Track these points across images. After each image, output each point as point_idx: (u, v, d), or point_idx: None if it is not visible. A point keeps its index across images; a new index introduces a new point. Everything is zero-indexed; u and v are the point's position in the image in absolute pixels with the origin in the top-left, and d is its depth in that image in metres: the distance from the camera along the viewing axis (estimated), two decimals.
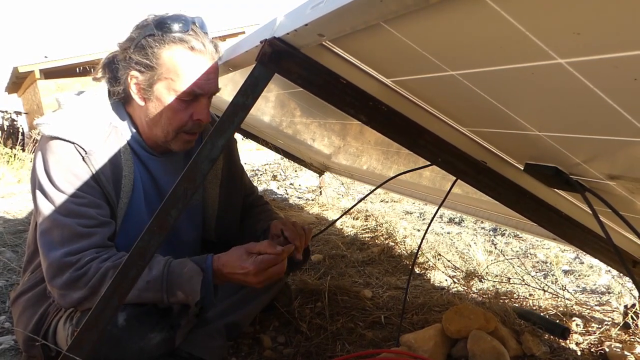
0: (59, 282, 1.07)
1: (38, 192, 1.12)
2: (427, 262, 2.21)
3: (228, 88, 1.94)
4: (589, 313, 1.62)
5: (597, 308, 1.69)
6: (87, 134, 1.14)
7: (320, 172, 3.60)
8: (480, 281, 1.98)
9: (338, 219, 1.80)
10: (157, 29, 1.12)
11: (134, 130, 1.23)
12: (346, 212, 1.87)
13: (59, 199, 1.10)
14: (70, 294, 1.07)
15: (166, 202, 0.84)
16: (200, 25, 1.17)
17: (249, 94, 0.82)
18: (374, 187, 1.64)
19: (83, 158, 1.12)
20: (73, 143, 1.12)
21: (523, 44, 0.51)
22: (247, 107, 0.82)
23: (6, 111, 12.53)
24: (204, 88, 1.16)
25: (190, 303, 1.10)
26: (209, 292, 1.11)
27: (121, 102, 1.24)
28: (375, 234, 2.75)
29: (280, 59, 0.79)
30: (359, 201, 1.76)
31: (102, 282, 1.05)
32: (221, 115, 0.83)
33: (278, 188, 4.71)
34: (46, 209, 1.10)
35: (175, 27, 1.12)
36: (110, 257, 1.09)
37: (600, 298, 1.85)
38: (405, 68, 0.78)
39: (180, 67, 1.12)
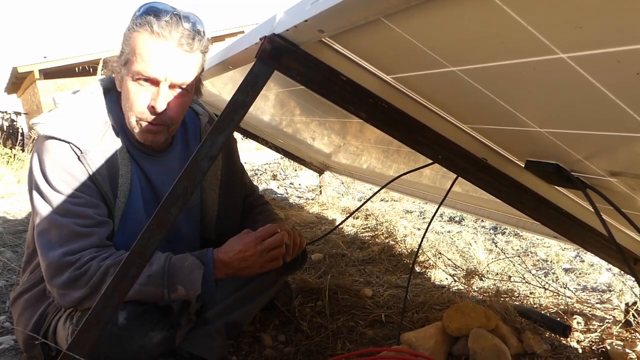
0: (59, 282, 1.07)
1: (35, 193, 1.12)
2: (428, 260, 2.21)
3: (228, 87, 1.94)
4: (590, 311, 1.62)
5: (598, 306, 1.68)
6: (82, 133, 1.13)
7: (320, 171, 3.60)
8: (481, 279, 1.97)
9: (343, 222, 1.79)
10: (138, 15, 1.12)
11: (127, 129, 1.22)
12: (352, 214, 1.86)
13: (56, 199, 1.09)
14: (70, 293, 1.07)
15: (166, 200, 0.83)
16: (192, 22, 1.14)
17: (248, 91, 0.81)
18: (375, 187, 1.63)
19: (78, 157, 1.11)
20: (68, 142, 1.11)
21: (524, 39, 0.51)
22: (246, 105, 0.82)
23: (6, 112, 12.52)
24: (155, 71, 1.10)
25: (191, 298, 1.10)
26: (210, 286, 1.11)
27: (115, 96, 1.23)
28: (376, 232, 2.75)
29: (280, 55, 0.79)
30: (364, 202, 1.74)
31: (103, 280, 1.05)
32: (220, 113, 0.83)
33: (278, 187, 4.71)
34: (43, 209, 1.10)
35: (151, 13, 1.11)
36: (110, 255, 1.09)
37: (601, 296, 1.85)
38: (405, 64, 0.77)
39: (137, 47, 1.10)
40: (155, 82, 1.12)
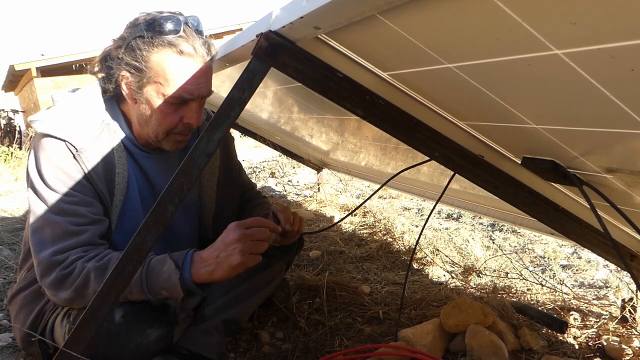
0: (48, 281, 1.07)
1: (30, 190, 1.12)
2: (425, 257, 2.21)
3: (225, 85, 1.94)
4: (586, 307, 1.63)
5: (595, 302, 1.69)
6: (79, 132, 1.13)
7: (319, 169, 3.60)
8: (478, 276, 1.98)
9: (343, 218, 1.79)
10: (147, 30, 1.09)
11: (127, 128, 1.22)
12: (352, 212, 1.86)
13: (50, 197, 1.09)
14: (59, 293, 1.07)
15: (163, 197, 0.83)
16: (196, 25, 1.14)
17: (245, 88, 0.81)
18: (373, 184, 1.63)
19: (74, 156, 1.11)
20: (64, 141, 1.11)
21: (519, 35, 0.51)
22: (243, 102, 0.82)
23: (3, 109, 12.48)
24: (193, 93, 1.13)
25: (177, 298, 1.09)
26: (191, 288, 1.06)
27: (115, 99, 1.23)
28: (374, 230, 2.75)
29: (276, 52, 0.79)
30: (365, 201, 1.73)
31: (86, 284, 1.04)
32: (217, 110, 0.83)
33: (276, 185, 4.71)
34: (38, 207, 1.10)
35: (166, 28, 1.09)
36: (96, 255, 1.07)
37: (598, 292, 1.85)
38: (401, 61, 0.77)
39: (169, 71, 1.10)
40: (188, 101, 1.15)
